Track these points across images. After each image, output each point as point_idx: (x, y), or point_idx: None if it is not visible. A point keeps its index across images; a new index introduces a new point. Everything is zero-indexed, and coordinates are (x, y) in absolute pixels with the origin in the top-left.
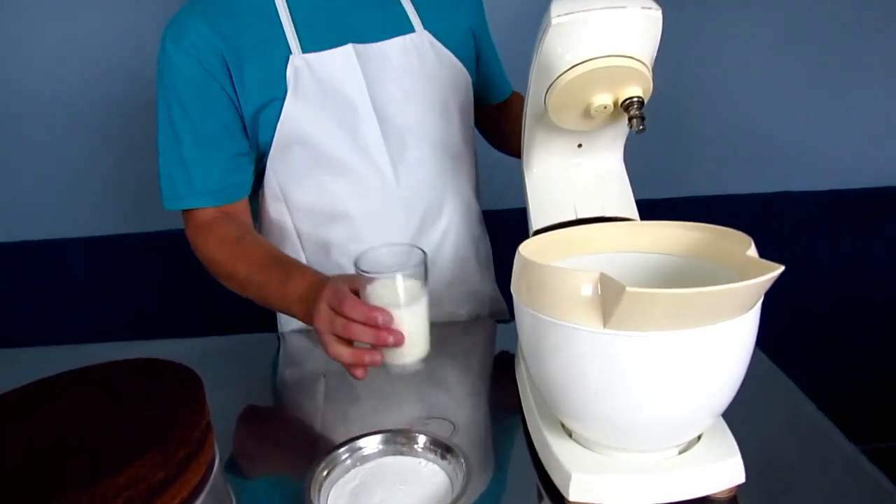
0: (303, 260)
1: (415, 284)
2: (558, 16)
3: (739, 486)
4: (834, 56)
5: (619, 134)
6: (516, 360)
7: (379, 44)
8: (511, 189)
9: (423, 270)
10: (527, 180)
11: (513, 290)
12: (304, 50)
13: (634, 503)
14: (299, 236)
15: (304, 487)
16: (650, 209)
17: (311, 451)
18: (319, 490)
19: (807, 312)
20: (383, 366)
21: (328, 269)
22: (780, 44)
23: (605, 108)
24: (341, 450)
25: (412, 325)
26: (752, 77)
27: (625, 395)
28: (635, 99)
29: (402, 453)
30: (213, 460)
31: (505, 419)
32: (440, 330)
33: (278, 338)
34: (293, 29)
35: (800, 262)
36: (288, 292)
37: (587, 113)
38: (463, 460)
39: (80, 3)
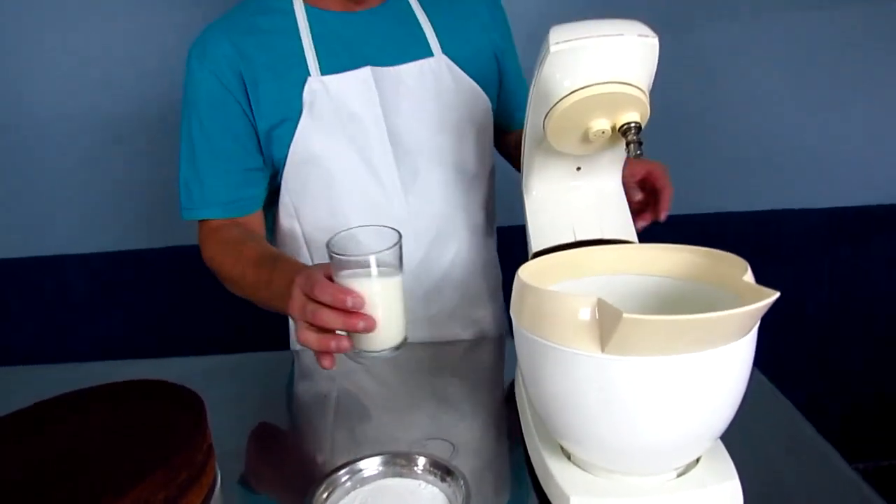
0: None
1: (389, 267)
2: (556, 43)
3: None
4: (828, 75)
5: (617, 157)
6: (516, 381)
7: (396, 67)
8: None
9: (398, 252)
10: (526, 203)
11: (512, 313)
12: (323, 72)
13: None
14: (310, 251)
15: None
16: (647, 226)
17: (314, 471)
18: None
19: (805, 329)
20: (357, 354)
21: None
22: (776, 62)
23: (603, 132)
24: (341, 471)
25: (385, 309)
26: (747, 96)
27: (623, 419)
28: (633, 124)
29: (401, 475)
30: (215, 483)
31: (506, 440)
32: (442, 350)
33: (292, 355)
34: (314, 51)
35: (798, 279)
36: (275, 287)
37: (585, 137)
38: (462, 482)
39: (89, 24)
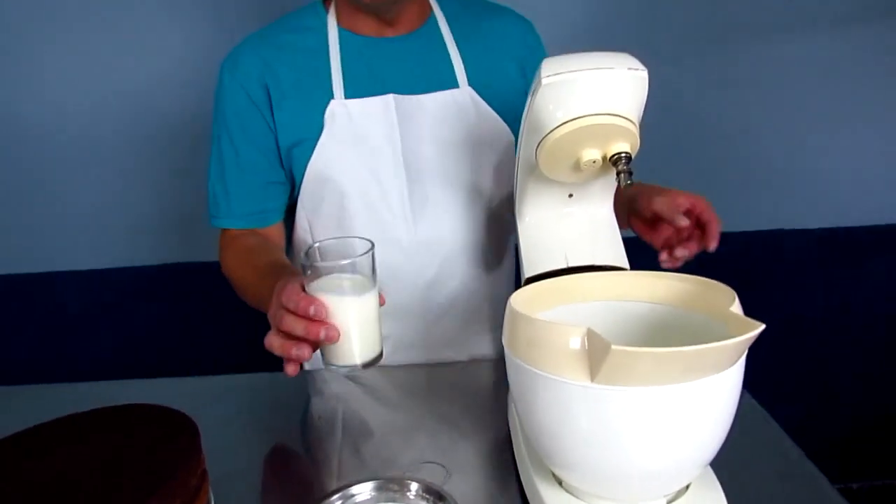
0: None
1: (359, 278)
2: (548, 76)
3: None
4: (822, 98)
5: (608, 185)
6: (508, 407)
7: (419, 96)
8: None
9: (370, 263)
10: (519, 229)
11: (503, 341)
12: (347, 96)
13: None
14: None
15: None
16: (642, 245)
17: (306, 496)
18: None
19: (797, 350)
20: (327, 366)
21: None
22: (769, 87)
23: (594, 162)
24: (334, 497)
25: (351, 321)
26: (741, 119)
27: (613, 447)
28: (623, 154)
29: (394, 500)
30: None
31: (498, 465)
32: (438, 371)
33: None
34: (340, 74)
35: (793, 298)
36: (269, 296)
37: (577, 167)
38: None
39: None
